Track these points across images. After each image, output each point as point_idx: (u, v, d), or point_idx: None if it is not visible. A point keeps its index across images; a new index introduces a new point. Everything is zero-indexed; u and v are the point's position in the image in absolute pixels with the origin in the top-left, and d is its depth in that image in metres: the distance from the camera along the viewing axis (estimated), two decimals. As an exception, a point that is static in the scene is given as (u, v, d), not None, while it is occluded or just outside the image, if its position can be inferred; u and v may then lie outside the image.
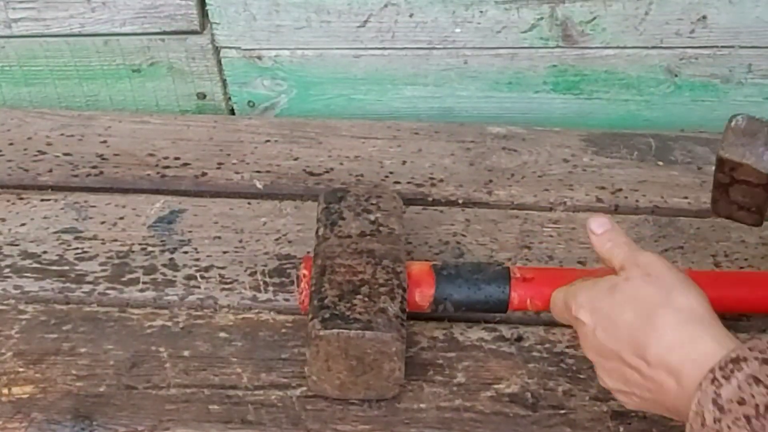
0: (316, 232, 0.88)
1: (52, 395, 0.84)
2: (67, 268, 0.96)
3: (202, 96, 1.23)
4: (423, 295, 0.86)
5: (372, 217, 0.89)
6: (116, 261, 0.97)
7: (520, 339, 0.90)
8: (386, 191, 0.93)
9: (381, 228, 0.88)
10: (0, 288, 0.94)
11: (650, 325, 0.69)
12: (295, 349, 0.88)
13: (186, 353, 0.88)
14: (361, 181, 1.07)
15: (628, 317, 0.71)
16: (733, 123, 0.80)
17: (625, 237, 0.78)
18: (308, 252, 0.97)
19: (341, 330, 0.79)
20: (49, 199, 1.04)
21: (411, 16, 1.14)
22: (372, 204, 0.91)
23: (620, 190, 1.06)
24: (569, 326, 0.90)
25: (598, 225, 0.79)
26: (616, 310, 0.72)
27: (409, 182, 1.07)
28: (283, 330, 0.90)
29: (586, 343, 0.75)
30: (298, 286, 0.88)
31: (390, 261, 0.85)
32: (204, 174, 1.08)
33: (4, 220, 1.02)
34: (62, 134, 1.13)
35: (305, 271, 0.86)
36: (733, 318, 0.91)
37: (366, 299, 0.82)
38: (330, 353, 0.80)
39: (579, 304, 0.75)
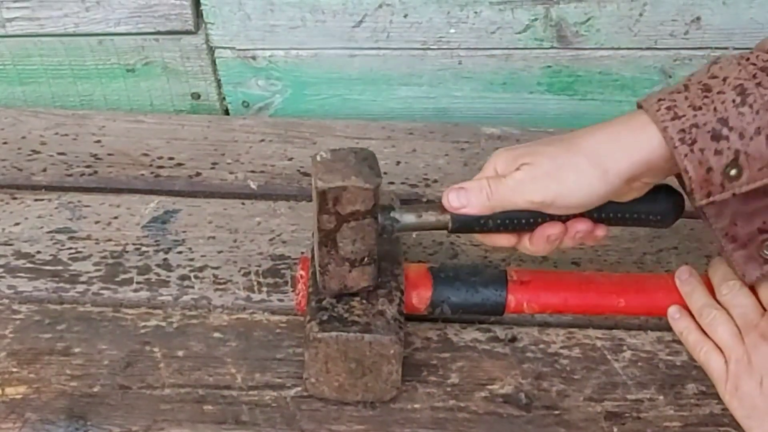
0: (313, 232, 0.88)
1: (46, 395, 0.84)
2: (60, 268, 0.96)
3: (196, 96, 1.23)
4: (420, 298, 0.86)
5: None
6: (110, 261, 0.97)
7: (514, 339, 0.90)
8: (384, 192, 0.92)
9: None
10: (-6, 288, 0.94)
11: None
12: (290, 350, 0.88)
13: (180, 353, 0.88)
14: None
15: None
16: (318, 158, 0.77)
17: None
18: (302, 252, 0.97)
19: (340, 332, 0.79)
20: (42, 199, 1.04)
21: (406, 16, 1.14)
22: None
23: (614, 190, 1.07)
24: (563, 327, 0.91)
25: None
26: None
27: (403, 182, 1.07)
28: (278, 330, 0.90)
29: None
30: (295, 286, 0.88)
31: (388, 263, 0.85)
32: (198, 174, 1.08)
33: (-3, 219, 1.02)
34: (56, 133, 1.13)
35: (302, 272, 0.86)
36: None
37: (364, 301, 0.82)
38: (329, 355, 0.80)
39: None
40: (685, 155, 0.72)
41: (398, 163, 1.10)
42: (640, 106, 0.75)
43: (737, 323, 0.83)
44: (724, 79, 0.73)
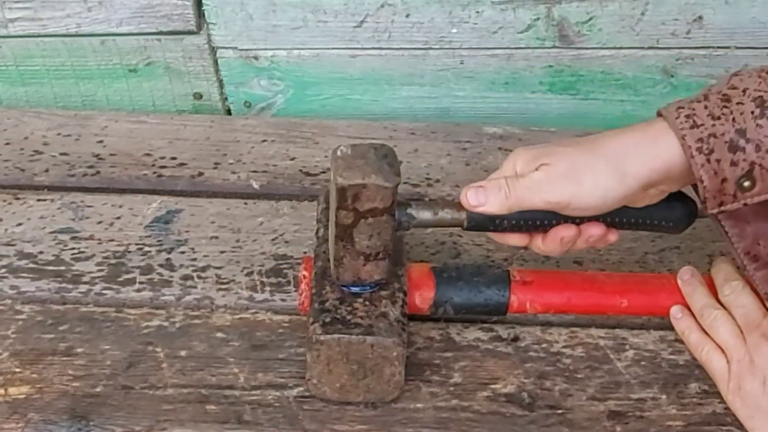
0: (317, 233, 0.88)
1: (48, 395, 0.84)
2: (63, 268, 0.96)
3: (198, 96, 1.23)
4: (423, 298, 0.86)
5: None
6: (113, 261, 0.97)
7: (516, 339, 0.90)
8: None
9: None
10: (-4, 288, 0.94)
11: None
12: (292, 350, 0.88)
13: (183, 353, 0.88)
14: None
15: None
16: (338, 153, 0.77)
17: None
18: (305, 252, 0.97)
19: (342, 335, 0.79)
20: (45, 199, 1.04)
21: (407, 16, 1.14)
22: None
23: (616, 190, 1.06)
24: (566, 326, 0.91)
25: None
26: None
27: (405, 182, 1.07)
28: (280, 330, 0.90)
29: None
30: (298, 287, 0.88)
31: (390, 263, 0.85)
32: (201, 174, 1.08)
33: (0, 220, 1.02)
34: (59, 134, 1.13)
35: (305, 272, 0.86)
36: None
37: (367, 303, 0.81)
38: (331, 357, 0.80)
39: None
40: (702, 165, 0.73)
41: (400, 162, 1.10)
42: (660, 114, 0.76)
43: (739, 323, 0.83)
44: (744, 90, 0.73)
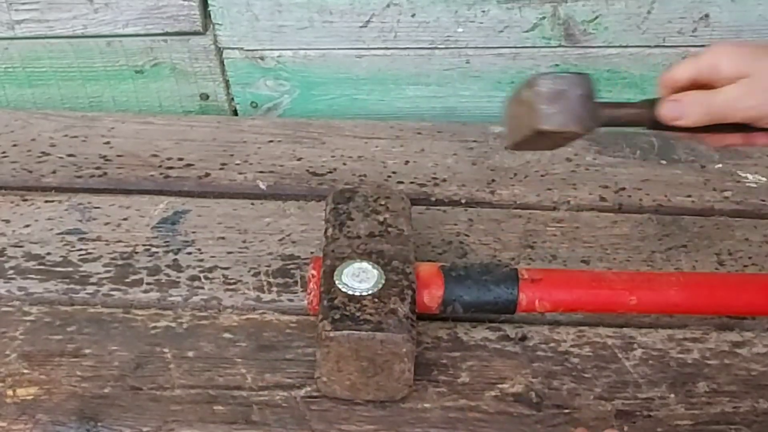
0: (325, 232, 0.88)
1: (56, 396, 0.84)
2: (71, 269, 0.96)
3: (205, 97, 1.23)
4: (432, 297, 0.86)
5: (381, 218, 0.89)
6: (120, 262, 0.97)
7: (524, 338, 0.90)
8: (394, 192, 0.93)
9: (390, 229, 0.88)
10: (4, 289, 0.94)
11: None
12: (300, 350, 0.88)
13: (190, 354, 0.88)
14: (365, 181, 1.07)
15: None
16: (538, 88, 0.75)
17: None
18: (312, 252, 0.97)
19: (352, 331, 0.79)
20: (53, 201, 1.05)
21: (413, 16, 1.14)
22: (380, 205, 0.91)
23: (623, 189, 1.06)
24: (574, 325, 0.91)
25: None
26: None
27: (412, 182, 1.07)
28: (288, 330, 0.90)
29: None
30: (306, 286, 0.88)
31: (399, 262, 0.85)
32: (207, 175, 1.09)
33: (8, 221, 1.02)
34: (66, 135, 1.14)
35: (314, 272, 0.86)
36: (738, 317, 0.91)
37: (376, 300, 0.82)
38: (341, 354, 0.80)
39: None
40: None
41: (407, 162, 1.10)
42: None
43: None
44: None
